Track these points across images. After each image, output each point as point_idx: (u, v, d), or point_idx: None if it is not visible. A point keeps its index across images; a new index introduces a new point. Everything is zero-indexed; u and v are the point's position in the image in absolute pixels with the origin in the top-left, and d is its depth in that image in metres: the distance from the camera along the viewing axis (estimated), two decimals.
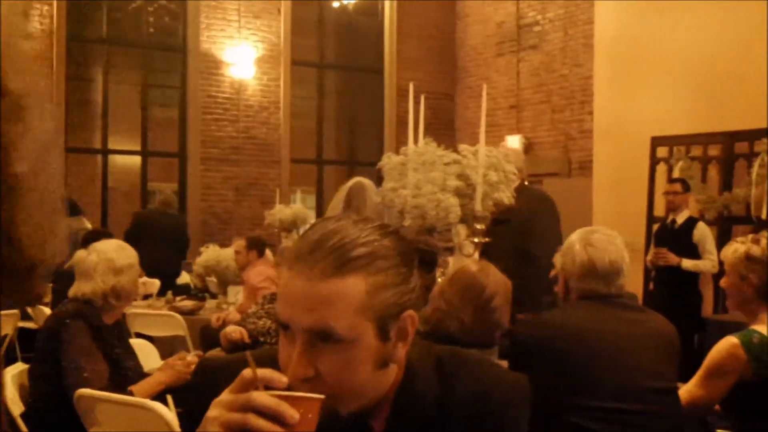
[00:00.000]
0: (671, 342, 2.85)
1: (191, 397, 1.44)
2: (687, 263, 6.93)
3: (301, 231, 9.21)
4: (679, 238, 7.06)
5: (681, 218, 7.18)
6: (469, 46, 12.81)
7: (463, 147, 3.81)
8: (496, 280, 2.81)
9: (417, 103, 4.18)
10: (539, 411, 2.55)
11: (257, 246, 6.84)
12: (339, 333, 1.27)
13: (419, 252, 1.38)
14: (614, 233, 2.94)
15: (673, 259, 6.95)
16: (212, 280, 7.77)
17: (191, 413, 1.44)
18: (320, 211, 12.55)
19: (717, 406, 2.99)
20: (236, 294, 7.15)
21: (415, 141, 4.01)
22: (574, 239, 2.91)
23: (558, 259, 2.96)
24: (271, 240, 8.20)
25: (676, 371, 2.84)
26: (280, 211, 8.59)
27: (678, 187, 7.26)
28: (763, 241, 2.99)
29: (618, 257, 2.84)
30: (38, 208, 1.29)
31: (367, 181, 5.06)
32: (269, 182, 11.58)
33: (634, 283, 7.74)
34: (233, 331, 4.58)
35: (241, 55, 11.70)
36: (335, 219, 1.34)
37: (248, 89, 11.78)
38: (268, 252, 6.92)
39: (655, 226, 7.96)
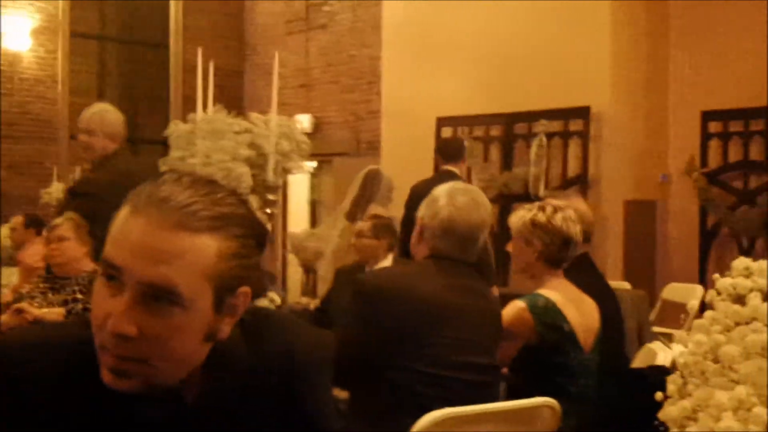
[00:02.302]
0: (500, 320, 2.90)
1: None
2: None
3: None
4: None
5: None
6: (258, 23, 12.65)
7: (254, 116, 3.73)
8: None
9: (206, 75, 4.06)
10: (362, 361, 2.55)
11: (36, 224, 6.50)
12: (180, 293, 1.14)
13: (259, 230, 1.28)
14: (482, 197, 2.87)
15: None
16: None
17: None
18: None
19: (505, 369, 3.07)
20: (9, 276, 6.73)
21: (204, 112, 3.90)
22: (440, 192, 2.82)
23: (421, 208, 2.85)
24: (48, 219, 7.78)
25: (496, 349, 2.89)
26: (58, 190, 8.22)
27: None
28: (549, 209, 3.10)
29: (479, 223, 2.78)
30: None
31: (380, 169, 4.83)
32: (46, 159, 11.02)
33: None
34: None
35: (16, 26, 11.08)
36: (191, 174, 1.21)
37: (23, 62, 11.19)
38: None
39: None
